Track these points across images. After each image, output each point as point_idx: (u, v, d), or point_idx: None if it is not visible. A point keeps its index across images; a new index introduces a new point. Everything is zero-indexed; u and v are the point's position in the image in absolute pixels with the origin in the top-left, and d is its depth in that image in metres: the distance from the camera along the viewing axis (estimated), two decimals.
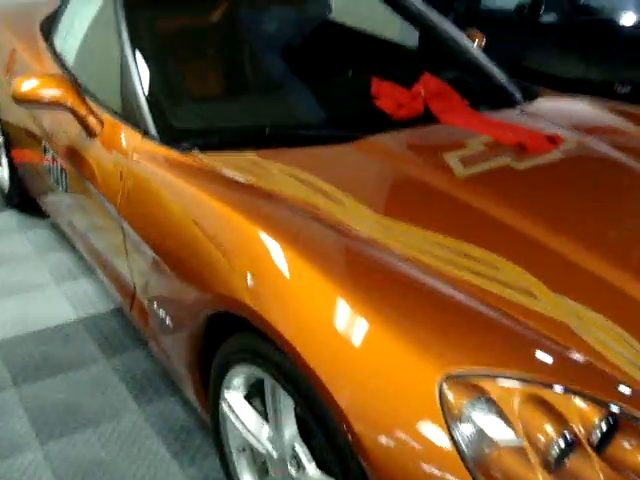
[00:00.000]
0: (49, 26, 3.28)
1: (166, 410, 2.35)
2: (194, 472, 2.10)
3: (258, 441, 1.71)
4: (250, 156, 2.06)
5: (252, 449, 1.82)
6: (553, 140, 2.24)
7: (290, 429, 1.59)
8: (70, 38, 2.92)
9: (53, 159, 2.73)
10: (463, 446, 1.21)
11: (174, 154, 2.09)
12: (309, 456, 1.57)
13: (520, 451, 1.21)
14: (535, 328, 1.41)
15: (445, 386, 1.25)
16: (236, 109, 2.36)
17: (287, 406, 1.57)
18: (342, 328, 1.38)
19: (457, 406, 1.24)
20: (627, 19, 4.62)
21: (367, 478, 1.32)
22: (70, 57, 2.85)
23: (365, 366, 1.33)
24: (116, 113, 2.37)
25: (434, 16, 3.01)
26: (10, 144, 3.46)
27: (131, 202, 2.11)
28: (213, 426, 1.89)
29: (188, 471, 2.10)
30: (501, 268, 1.59)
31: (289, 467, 1.61)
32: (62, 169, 2.63)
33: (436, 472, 1.22)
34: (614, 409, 1.24)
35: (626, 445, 1.22)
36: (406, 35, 3.68)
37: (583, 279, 1.59)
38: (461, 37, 2.99)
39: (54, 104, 2.33)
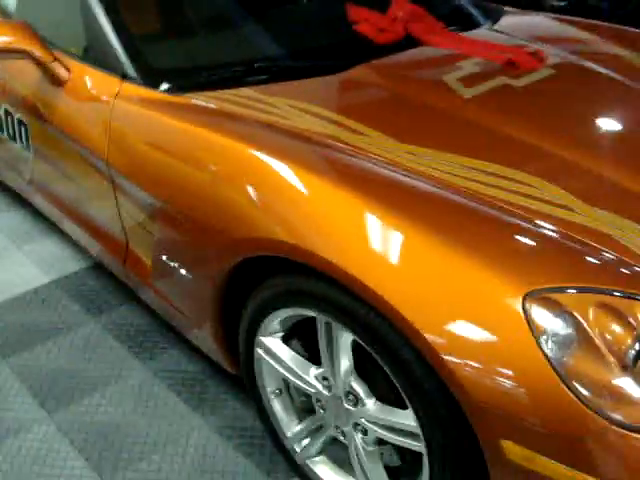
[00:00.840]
0: None
1: (171, 363, 2.28)
2: (218, 421, 2.06)
3: (304, 382, 1.68)
4: (246, 92, 1.96)
5: (289, 390, 1.81)
6: (538, 56, 2.25)
7: (345, 366, 1.57)
8: None
9: (6, 113, 2.52)
10: (550, 355, 1.24)
11: (162, 96, 1.98)
12: (367, 391, 1.56)
13: (600, 356, 1.25)
14: (584, 241, 1.44)
15: (528, 302, 1.26)
16: (215, 44, 2.23)
17: (343, 342, 1.54)
18: (400, 249, 1.37)
19: (540, 320, 1.26)
20: None
21: (448, 400, 1.33)
22: (9, 2, 2.61)
23: (438, 287, 1.32)
24: (83, 58, 2.20)
25: None
26: None
27: (122, 150, 1.98)
28: (245, 372, 1.85)
29: (211, 421, 2.06)
30: (534, 185, 1.59)
31: (344, 404, 1.60)
32: (20, 122, 2.44)
33: (527, 380, 1.24)
34: None
35: None
36: None
37: (609, 190, 1.63)
38: None
39: (12, 52, 2.14)
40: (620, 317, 1.28)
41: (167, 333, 2.39)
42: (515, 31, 2.58)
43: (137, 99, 1.99)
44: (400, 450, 1.61)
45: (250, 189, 1.63)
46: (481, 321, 1.28)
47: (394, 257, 1.36)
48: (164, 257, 1.95)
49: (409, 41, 2.32)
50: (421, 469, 1.47)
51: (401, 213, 1.42)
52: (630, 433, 1.17)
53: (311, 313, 1.56)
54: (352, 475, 1.70)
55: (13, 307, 2.57)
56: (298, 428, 1.79)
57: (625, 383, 1.20)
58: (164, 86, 1.99)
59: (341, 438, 1.68)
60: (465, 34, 2.45)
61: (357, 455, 1.62)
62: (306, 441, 1.78)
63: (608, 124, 1.93)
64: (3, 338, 2.41)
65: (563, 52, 2.37)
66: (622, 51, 2.49)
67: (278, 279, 1.62)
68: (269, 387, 1.81)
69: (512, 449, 1.26)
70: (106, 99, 2.05)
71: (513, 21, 2.75)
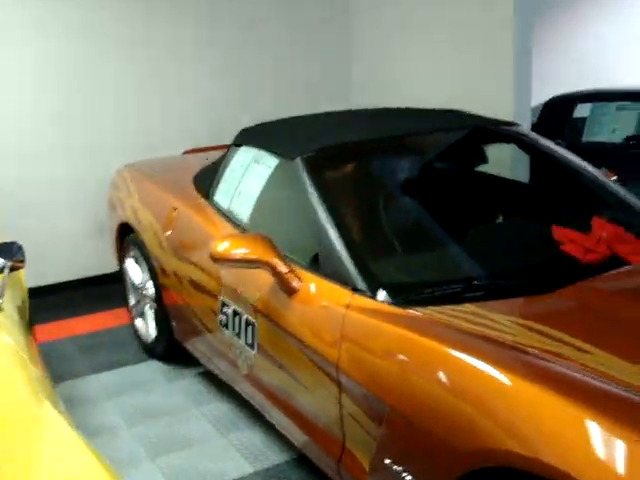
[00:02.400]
0: (205, 185, 3.50)
1: None
2: None
3: None
4: (468, 308, 2.13)
5: None
6: None
7: None
8: (239, 198, 3.09)
9: (235, 313, 2.83)
10: None
11: (392, 309, 2.18)
12: None
13: None
14: None
15: None
16: (436, 262, 2.47)
17: None
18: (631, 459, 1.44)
19: None
20: None
21: None
22: (243, 216, 3.01)
23: None
24: (315, 270, 2.48)
25: (579, 159, 3.16)
26: (164, 296, 3.60)
27: (354, 356, 2.17)
28: None
29: None
30: None
31: None
32: (248, 322, 2.73)
33: None
34: None
35: None
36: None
37: None
38: (607, 178, 3.12)
39: (255, 262, 2.46)
40: None
41: None
42: None
43: (367, 310, 2.21)
44: None
45: (484, 401, 1.74)
46: None
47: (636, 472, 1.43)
48: (386, 461, 2.06)
49: (614, 260, 2.44)
50: None
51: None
52: None
53: None
54: None
55: None
56: None
57: None
58: (392, 300, 2.21)
59: None
60: None
61: None
62: None
63: None
64: None
65: None
66: None
67: None
68: None
69: None
70: (338, 309, 2.28)
71: None
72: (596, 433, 1.51)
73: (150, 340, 3.91)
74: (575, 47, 8.48)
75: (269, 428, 3.07)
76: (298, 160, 2.77)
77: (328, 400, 2.31)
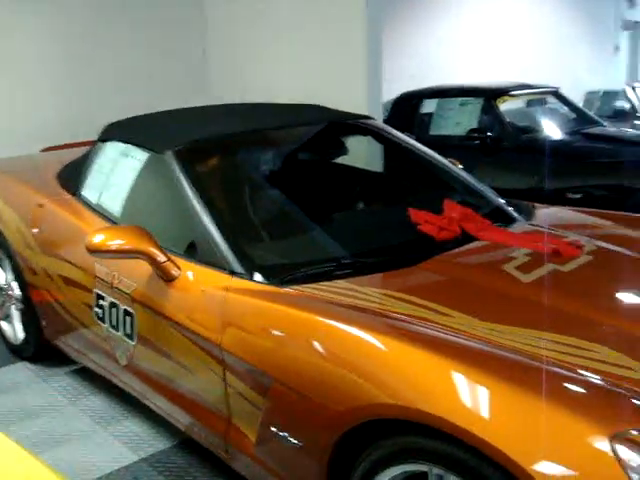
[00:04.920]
0: (70, 181, 3.48)
1: None
2: None
3: None
4: (339, 284, 2.33)
5: None
6: (577, 245, 2.65)
7: None
8: (109, 193, 3.13)
9: (112, 305, 2.87)
10: None
11: (269, 288, 2.34)
12: None
13: None
14: None
15: (615, 443, 1.54)
16: (309, 244, 2.64)
17: None
18: (494, 400, 1.69)
19: (628, 457, 1.52)
20: (562, 135, 5.46)
21: None
22: (114, 210, 3.05)
23: (533, 429, 1.62)
24: (191, 257, 2.59)
25: (429, 150, 3.46)
26: (32, 296, 3.54)
27: (236, 335, 2.30)
28: None
29: None
30: (594, 350, 1.93)
31: None
32: (127, 313, 2.78)
33: None
34: None
35: None
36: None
37: None
38: (454, 166, 3.45)
39: (133, 252, 2.53)
40: None
41: None
42: (549, 224, 3.01)
43: (246, 291, 2.36)
44: None
45: (355, 363, 1.95)
46: (575, 459, 1.55)
47: (490, 407, 1.68)
48: (272, 429, 2.21)
49: (465, 237, 2.73)
50: None
51: (492, 372, 1.76)
52: None
53: (422, 468, 1.81)
54: None
55: None
56: None
57: None
58: (268, 280, 2.37)
59: None
60: (509, 229, 2.87)
61: None
62: None
63: None
64: None
65: (592, 238, 2.78)
66: (633, 232, 2.95)
67: (390, 439, 1.88)
68: None
69: None
70: (218, 292, 2.41)
71: (544, 215, 3.19)
72: (461, 381, 1.74)
73: (18, 342, 3.83)
74: (417, 46, 9.04)
75: (150, 417, 3.13)
76: (169, 153, 2.85)
77: (213, 380, 2.43)
